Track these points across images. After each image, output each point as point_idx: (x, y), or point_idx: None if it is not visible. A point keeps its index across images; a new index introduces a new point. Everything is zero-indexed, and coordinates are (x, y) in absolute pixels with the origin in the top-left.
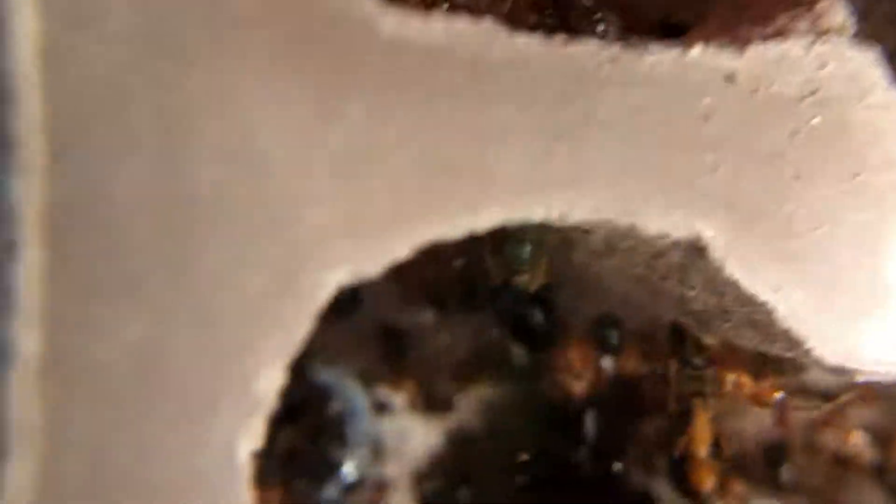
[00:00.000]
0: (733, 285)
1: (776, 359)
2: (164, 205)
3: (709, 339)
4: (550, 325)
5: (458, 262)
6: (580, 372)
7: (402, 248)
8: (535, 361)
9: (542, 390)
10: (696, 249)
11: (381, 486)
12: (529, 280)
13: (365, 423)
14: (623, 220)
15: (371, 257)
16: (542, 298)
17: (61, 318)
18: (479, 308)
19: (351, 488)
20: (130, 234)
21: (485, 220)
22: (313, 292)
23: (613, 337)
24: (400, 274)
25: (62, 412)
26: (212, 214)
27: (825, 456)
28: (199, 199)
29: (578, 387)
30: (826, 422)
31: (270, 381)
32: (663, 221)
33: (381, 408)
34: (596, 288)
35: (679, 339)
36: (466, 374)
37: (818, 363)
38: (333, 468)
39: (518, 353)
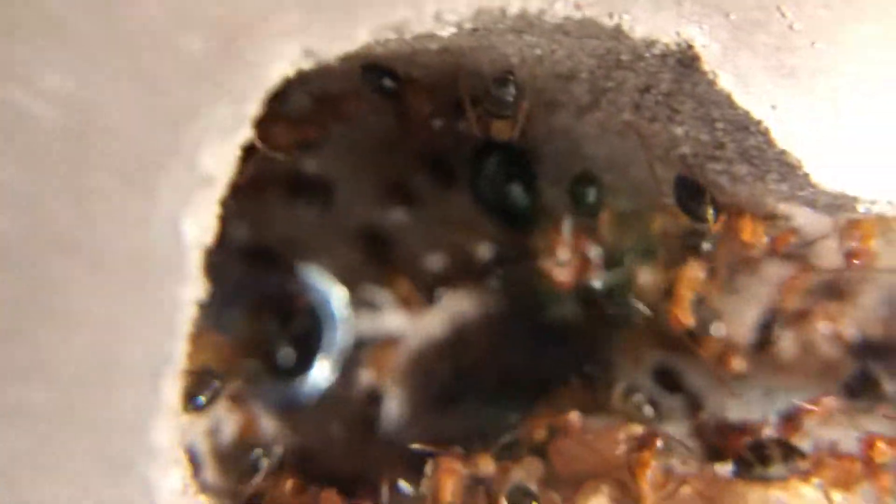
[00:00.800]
0: (726, 105)
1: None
2: None
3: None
4: (530, 201)
5: (436, 123)
6: (564, 257)
7: (360, 31)
8: (516, 249)
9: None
10: (686, 63)
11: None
12: (510, 128)
13: (343, 322)
14: (607, 21)
15: (326, 34)
16: (521, 171)
17: None
18: (454, 185)
19: (327, 385)
20: None
21: (455, 4)
22: (262, 64)
23: (590, 195)
24: (372, 165)
25: None
26: None
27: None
28: None
29: (563, 275)
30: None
31: (219, 159)
32: (651, 23)
33: (365, 306)
34: (579, 155)
35: (689, 193)
36: (447, 271)
37: (814, 194)
38: (308, 365)
39: (499, 240)
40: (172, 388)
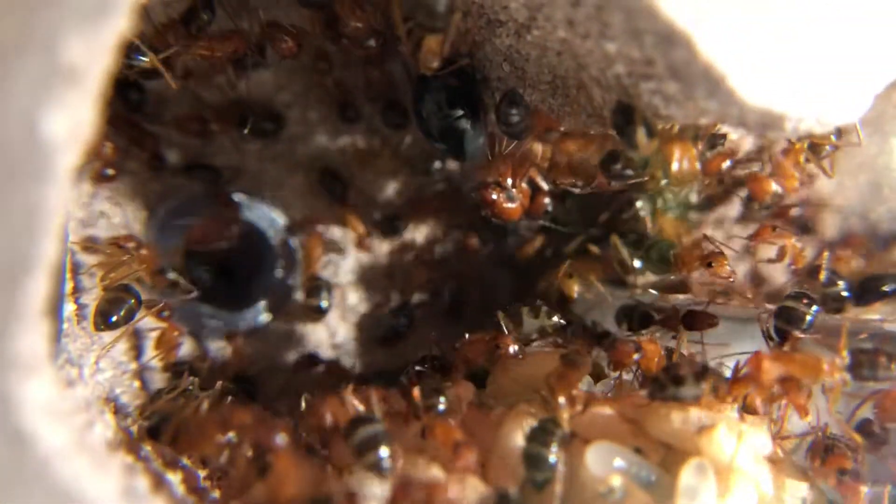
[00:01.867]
0: (652, 17)
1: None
2: None
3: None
4: (475, 130)
5: (370, 43)
6: (511, 190)
7: None
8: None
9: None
10: None
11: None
12: (440, 45)
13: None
14: None
15: None
16: (465, 99)
17: None
18: (402, 122)
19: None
20: None
21: None
22: None
23: (514, 115)
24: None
25: None
26: None
27: None
28: None
29: (512, 209)
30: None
31: (84, 49)
32: None
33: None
34: (523, 81)
35: (625, 118)
36: (401, 204)
37: (742, 111)
38: (252, 299)
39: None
40: (37, 294)
